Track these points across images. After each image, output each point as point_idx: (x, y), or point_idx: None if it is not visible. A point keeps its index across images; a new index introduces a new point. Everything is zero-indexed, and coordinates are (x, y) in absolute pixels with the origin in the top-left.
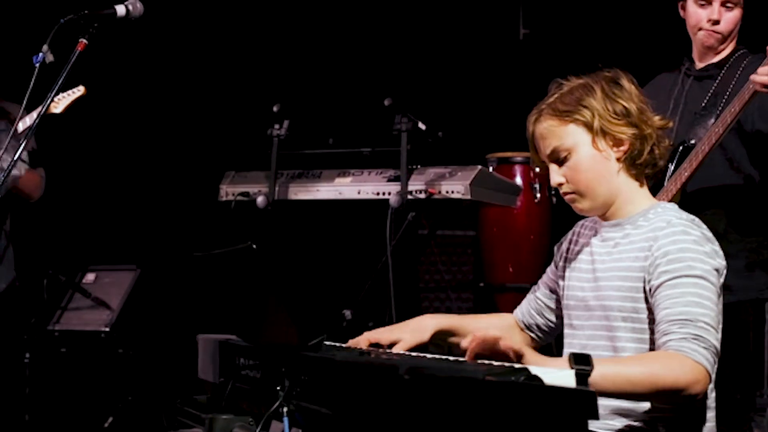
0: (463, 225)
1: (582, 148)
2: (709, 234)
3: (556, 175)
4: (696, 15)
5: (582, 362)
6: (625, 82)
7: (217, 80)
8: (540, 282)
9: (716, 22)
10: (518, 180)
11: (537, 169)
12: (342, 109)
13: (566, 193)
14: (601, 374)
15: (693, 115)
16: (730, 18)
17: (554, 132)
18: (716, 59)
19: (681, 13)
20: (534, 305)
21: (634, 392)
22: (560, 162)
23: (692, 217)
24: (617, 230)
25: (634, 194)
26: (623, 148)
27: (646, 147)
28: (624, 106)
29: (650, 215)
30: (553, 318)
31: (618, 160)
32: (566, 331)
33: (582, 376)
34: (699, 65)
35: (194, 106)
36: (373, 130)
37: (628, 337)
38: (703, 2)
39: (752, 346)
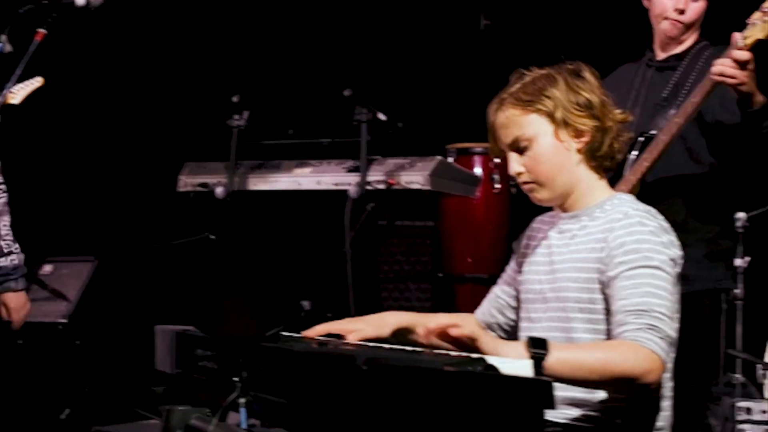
0: (422, 215)
1: (543, 138)
2: (666, 224)
3: (516, 164)
4: (661, 4)
5: (538, 346)
6: (588, 75)
7: (177, 70)
8: (500, 280)
9: (682, 12)
10: (478, 170)
11: (497, 160)
12: (302, 100)
13: (525, 183)
14: (556, 359)
15: (654, 105)
16: (695, 8)
17: (516, 121)
18: (678, 50)
19: (644, 2)
20: (495, 304)
21: (589, 379)
22: (520, 151)
23: (648, 207)
24: (574, 222)
25: (592, 186)
26: (584, 139)
27: (606, 139)
28: (587, 98)
29: (607, 207)
30: (513, 316)
31: (578, 151)
32: (523, 324)
33: (537, 360)
34: (661, 56)
35: (153, 97)
36: (333, 121)
37: (584, 328)
38: None
39: (708, 336)
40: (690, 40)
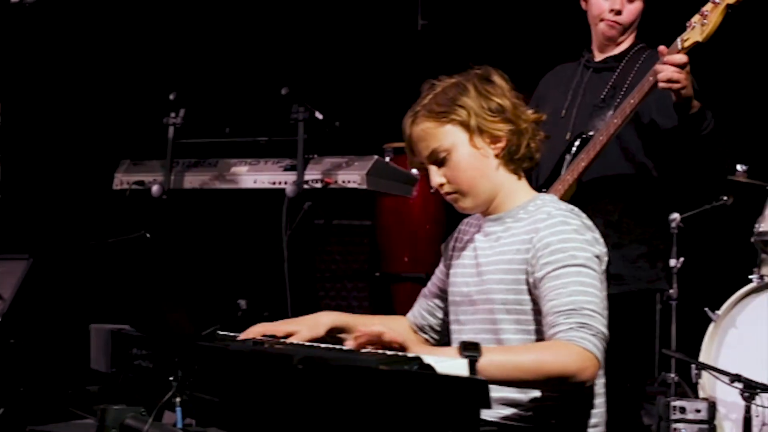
0: (359, 215)
1: (461, 147)
2: (589, 222)
3: (437, 176)
4: (598, 5)
5: (470, 349)
6: (497, 79)
7: (114, 68)
8: (429, 283)
9: (618, 12)
10: (414, 170)
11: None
12: (239, 98)
13: (448, 193)
14: (489, 361)
15: (592, 106)
16: (632, 9)
17: (432, 133)
18: (615, 52)
19: (582, 4)
20: (425, 306)
21: (523, 379)
22: (439, 163)
23: (571, 207)
24: (499, 224)
25: (513, 188)
26: (500, 144)
27: (523, 141)
28: (498, 103)
29: (530, 208)
30: (443, 316)
31: (496, 156)
32: (453, 327)
33: (470, 363)
34: (598, 57)
35: (90, 94)
36: (270, 120)
37: (513, 329)
38: None
39: (643, 335)
40: (627, 41)
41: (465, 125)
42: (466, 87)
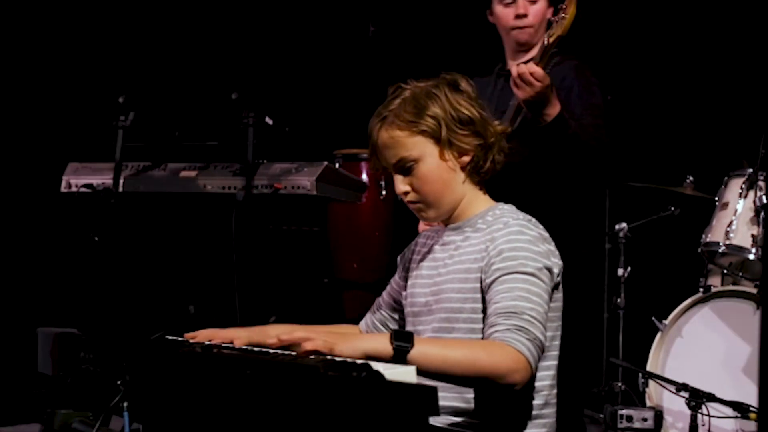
0: (309, 220)
1: (429, 159)
2: (546, 234)
3: (402, 184)
4: (504, 14)
5: (402, 339)
6: (465, 86)
7: (62, 70)
8: (384, 293)
9: (524, 16)
10: (364, 176)
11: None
12: (189, 102)
13: (411, 202)
14: (420, 352)
15: (500, 113)
16: (536, 9)
17: (401, 143)
18: (525, 59)
19: (490, 18)
20: (378, 317)
21: (453, 373)
22: (405, 172)
23: (529, 217)
24: (457, 234)
25: (475, 197)
26: (467, 158)
27: (489, 156)
28: (468, 115)
29: (488, 217)
30: (396, 328)
31: (462, 169)
32: None
33: (401, 353)
34: (511, 65)
35: (38, 95)
36: (220, 124)
37: (467, 338)
38: (508, 1)
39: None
40: (538, 47)
41: (435, 137)
42: (437, 96)
